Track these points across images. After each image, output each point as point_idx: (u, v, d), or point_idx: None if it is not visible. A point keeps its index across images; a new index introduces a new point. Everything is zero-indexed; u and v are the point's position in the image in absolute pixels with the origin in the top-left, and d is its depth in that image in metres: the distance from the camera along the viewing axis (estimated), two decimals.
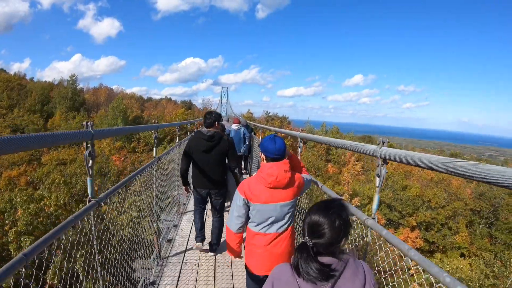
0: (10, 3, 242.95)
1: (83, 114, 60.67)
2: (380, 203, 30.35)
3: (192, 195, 5.97)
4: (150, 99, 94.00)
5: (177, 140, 7.99)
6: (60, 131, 2.43)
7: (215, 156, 4.85)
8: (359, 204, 29.47)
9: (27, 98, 64.17)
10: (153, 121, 6.05)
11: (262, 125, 10.47)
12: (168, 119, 56.01)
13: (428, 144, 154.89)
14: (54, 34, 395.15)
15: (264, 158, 2.73)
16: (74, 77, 70.12)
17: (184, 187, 5.32)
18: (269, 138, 2.75)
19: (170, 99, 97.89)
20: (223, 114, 73.92)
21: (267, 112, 73.24)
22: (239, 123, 10.37)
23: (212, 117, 4.94)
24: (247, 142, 10.45)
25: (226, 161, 5.12)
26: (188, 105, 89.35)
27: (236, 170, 5.26)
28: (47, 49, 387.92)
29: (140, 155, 38.99)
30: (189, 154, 4.88)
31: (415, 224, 29.37)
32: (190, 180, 5.30)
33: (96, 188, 29.63)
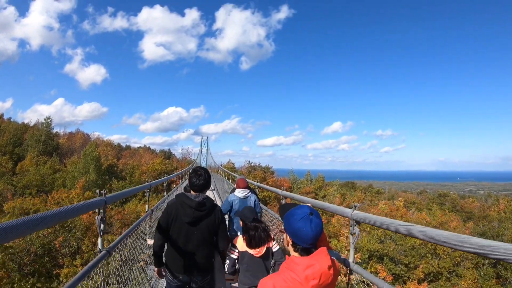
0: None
1: (55, 159, 56.95)
2: (381, 257, 27.06)
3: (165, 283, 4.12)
4: (128, 147, 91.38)
5: (164, 194, 7.44)
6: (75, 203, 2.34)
7: (204, 232, 3.57)
8: (359, 260, 26.72)
9: None
10: (146, 180, 6.20)
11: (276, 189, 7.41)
12: (145, 169, 53.27)
13: (409, 185, 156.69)
14: (39, 76, 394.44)
15: (290, 243, 1.98)
16: (49, 120, 67.56)
17: (156, 269, 3.83)
18: (302, 216, 1.93)
19: (149, 148, 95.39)
20: (203, 164, 71.40)
21: (249, 162, 69.34)
22: (246, 187, 6.77)
23: (203, 178, 3.63)
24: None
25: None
26: (167, 155, 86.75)
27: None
28: (30, 90, 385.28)
29: (110, 209, 35.57)
30: (166, 226, 3.54)
31: (422, 276, 26.97)
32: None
33: (57, 245, 27.01)
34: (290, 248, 2.02)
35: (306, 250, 1.94)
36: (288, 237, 2.01)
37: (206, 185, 3.63)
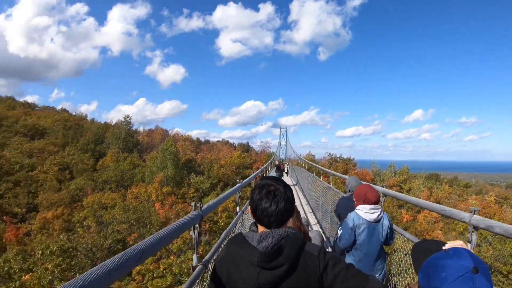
0: (82, 51, 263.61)
1: (135, 155, 59.43)
2: None
3: None
4: (207, 141, 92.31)
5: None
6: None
7: None
8: None
9: (81, 137, 64.63)
10: (238, 181, 5.84)
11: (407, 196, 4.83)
12: (223, 163, 53.12)
13: (495, 177, 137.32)
14: (121, 79, 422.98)
15: None
16: (128, 118, 69.92)
17: None
18: (461, 275, 1.06)
19: (227, 141, 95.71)
20: (282, 157, 68.57)
21: (329, 153, 66.28)
22: (378, 201, 3.92)
23: (283, 197, 1.62)
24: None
25: None
26: (246, 148, 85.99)
27: None
28: (113, 93, 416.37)
29: (188, 204, 34.58)
30: None
31: None
32: None
33: (130, 241, 26.15)
34: None
35: None
36: None
37: (288, 213, 1.66)
